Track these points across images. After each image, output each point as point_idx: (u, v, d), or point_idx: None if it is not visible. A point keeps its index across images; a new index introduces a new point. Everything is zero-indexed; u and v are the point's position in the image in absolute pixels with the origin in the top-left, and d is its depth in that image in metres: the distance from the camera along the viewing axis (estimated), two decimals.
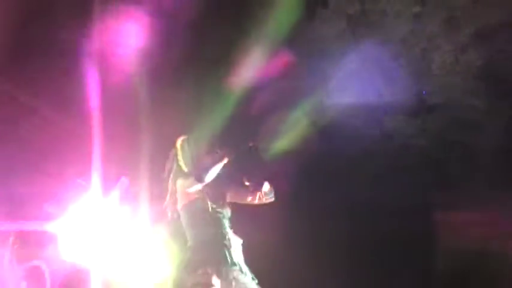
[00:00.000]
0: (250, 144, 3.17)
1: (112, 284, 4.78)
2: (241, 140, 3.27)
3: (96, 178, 4.70)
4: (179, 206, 3.26)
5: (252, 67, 4.79)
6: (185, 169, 3.25)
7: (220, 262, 3.09)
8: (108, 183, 4.82)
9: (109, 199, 4.86)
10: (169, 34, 4.78)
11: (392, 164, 5.08)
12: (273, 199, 3.33)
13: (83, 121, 4.53)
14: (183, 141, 3.33)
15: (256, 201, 3.31)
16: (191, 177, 3.15)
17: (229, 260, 3.12)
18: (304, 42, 5.00)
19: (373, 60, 5.10)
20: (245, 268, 3.22)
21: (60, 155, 4.94)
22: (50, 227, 4.80)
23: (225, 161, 3.13)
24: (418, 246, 5.10)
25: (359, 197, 5.21)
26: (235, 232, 3.28)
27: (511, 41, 4.82)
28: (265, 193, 3.27)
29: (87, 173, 4.74)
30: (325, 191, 5.25)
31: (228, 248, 3.16)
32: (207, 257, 3.10)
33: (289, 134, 5.03)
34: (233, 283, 3.10)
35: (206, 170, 3.07)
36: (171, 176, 3.32)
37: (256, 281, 3.19)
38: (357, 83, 5.02)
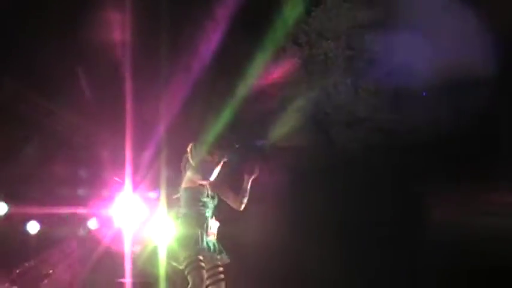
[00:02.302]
0: (237, 146, 4.08)
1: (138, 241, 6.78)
2: (233, 143, 4.10)
3: (127, 177, 6.75)
4: (182, 186, 4.09)
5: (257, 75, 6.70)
6: (193, 164, 4.03)
7: (198, 237, 3.91)
8: (135, 181, 6.86)
9: (137, 191, 6.94)
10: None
11: (334, 157, 7.24)
12: (240, 209, 4.18)
13: (122, 138, 6.52)
14: (192, 145, 4.11)
15: (232, 203, 4.19)
16: (198, 173, 3.96)
17: (204, 237, 3.94)
18: None
19: (322, 89, 7.34)
20: (216, 245, 4.01)
21: (102, 162, 6.98)
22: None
23: (222, 161, 4.00)
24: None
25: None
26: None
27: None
28: (241, 201, 4.14)
29: (121, 173, 6.80)
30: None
31: (205, 227, 3.99)
32: (193, 232, 3.90)
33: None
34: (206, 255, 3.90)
35: (210, 172, 3.96)
36: (185, 168, 4.14)
37: (224, 253, 4.03)
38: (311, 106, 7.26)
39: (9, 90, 6.38)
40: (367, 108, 7.33)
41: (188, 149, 4.07)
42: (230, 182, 4.27)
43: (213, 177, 3.93)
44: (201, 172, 3.94)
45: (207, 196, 4.06)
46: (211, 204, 4.08)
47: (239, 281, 4.41)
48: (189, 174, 4.00)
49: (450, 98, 7.25)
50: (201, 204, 4.01)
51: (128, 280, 6.61)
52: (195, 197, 4.01)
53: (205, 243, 3.90)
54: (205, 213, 4.01)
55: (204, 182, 3.97)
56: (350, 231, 6.78)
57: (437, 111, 7.26)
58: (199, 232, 3.90)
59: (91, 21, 6.66)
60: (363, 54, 7.14)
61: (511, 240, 6.05)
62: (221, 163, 3.99)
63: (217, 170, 3.97)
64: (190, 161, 4.01)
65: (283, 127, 7.10)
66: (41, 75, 6.63)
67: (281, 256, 6.64)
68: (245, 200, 4.14)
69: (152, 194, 6.84)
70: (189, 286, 3.77)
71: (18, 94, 6.43)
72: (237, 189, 4.17)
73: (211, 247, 3.95)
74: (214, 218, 4.11)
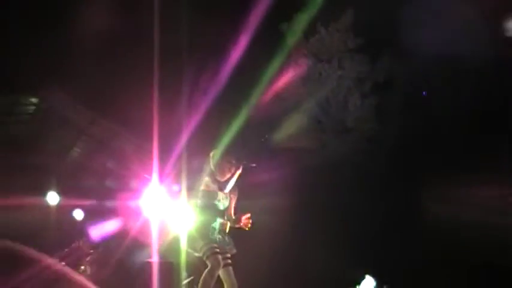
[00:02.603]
0: (253, 165, 4.48)
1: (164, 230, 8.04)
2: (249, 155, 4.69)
3: (155, 174, 8.10)
4: (200, 188, 4.57)
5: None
6: (213, 169, 4.50)
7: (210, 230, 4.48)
8: (162, 177, 8.21)
9: (162, 185, 8.28)
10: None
11: (326, 159, 8.57)
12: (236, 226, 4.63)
13: (149, 141, 7.87)
14: (213, 153, 4.56)
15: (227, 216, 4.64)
16: (215, 183, 4.42)
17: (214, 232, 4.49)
18: None
19: (317, 102, 8.72)
20: (226, 238, 4.53)
21: (134, 161, 8.36)
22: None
23: (238, 172, 4.46)
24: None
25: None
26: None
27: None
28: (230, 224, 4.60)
29: (150, 170, 8.14)
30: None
31: (215, 225, 4.49)
32: (208, 223, 4.45)
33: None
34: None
35: (225, 185, 4.47)
36: (205, 170, 4.59)
37: (232, 245, 4.52)
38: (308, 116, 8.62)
39: (61, 101, 7.76)
40: (355, 119, 8.76)
41: (211, 155, 4.53)
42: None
43: (228, 189, 4.48)
44: (218, 182, 4.43)
45: (219, 199, 4.53)
46: (222, 206, 4.56)
47: (244, 269, 4.79)
48: (206, 179, 4.49)
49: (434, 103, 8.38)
50: (213, 205, 4.50)
51: (155, 260, 7.92)
52: (209, 199, 4.50)
53: (215, 237, 4.46)
54: (216, 212, 4.51)
55: (219, 192, 4.47)
56: (341, 225, 7.61)
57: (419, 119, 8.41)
58: (211, 227, 4.47)
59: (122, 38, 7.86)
60: (351, 74, 8.56)
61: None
62: (237, 172, 4.49)
63: (233, 181, 4.49)
64: (211, 167, 4.48)
65: (284, 132, 8.44)
66: (83, 89, 8.00)
67: (279, 246, 7.50)
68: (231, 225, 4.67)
69: (175, 187, 8.15)
70: (208, 269, 4.31)
71: (68, 105, 7.82)
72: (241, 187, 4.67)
73: (221, 239, 4.50)
74: (223, 218, 4.59)
